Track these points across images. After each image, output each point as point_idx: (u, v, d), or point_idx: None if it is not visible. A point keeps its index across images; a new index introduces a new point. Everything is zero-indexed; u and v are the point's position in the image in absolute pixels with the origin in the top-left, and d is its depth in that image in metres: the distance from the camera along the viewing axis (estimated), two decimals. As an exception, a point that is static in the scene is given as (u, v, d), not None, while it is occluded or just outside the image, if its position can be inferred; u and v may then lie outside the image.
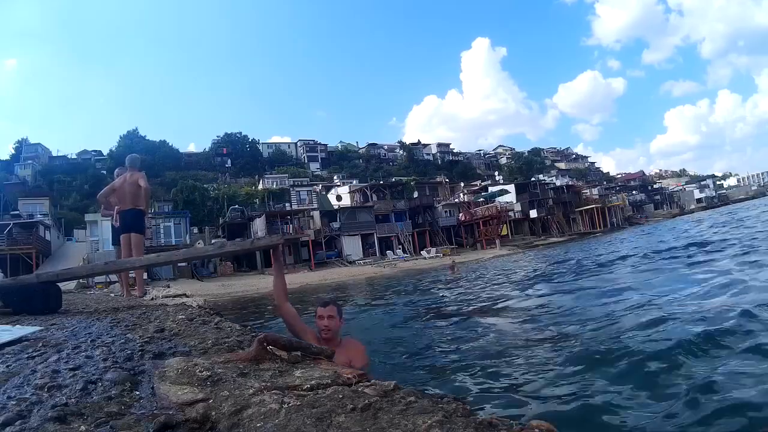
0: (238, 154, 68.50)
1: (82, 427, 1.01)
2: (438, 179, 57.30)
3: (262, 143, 75.04)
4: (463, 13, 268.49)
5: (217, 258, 29.75)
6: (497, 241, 38.33)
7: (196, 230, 33.84)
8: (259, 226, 33.58)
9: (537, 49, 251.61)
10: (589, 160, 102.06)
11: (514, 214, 46.25)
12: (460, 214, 43.69)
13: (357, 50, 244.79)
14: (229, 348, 1.87)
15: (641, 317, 3.79)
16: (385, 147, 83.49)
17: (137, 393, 1.28)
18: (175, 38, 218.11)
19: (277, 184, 47.49)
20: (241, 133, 71.85)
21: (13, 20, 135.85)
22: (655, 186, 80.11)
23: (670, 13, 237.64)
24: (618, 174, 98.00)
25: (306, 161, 74.27)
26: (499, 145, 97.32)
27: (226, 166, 66.48)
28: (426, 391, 1.26)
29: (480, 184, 56.87)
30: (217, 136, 71.86)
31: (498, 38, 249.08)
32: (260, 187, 48.44)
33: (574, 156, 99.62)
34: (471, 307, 6.49)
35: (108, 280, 17.12)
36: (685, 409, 1.92)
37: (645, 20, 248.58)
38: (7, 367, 1.63)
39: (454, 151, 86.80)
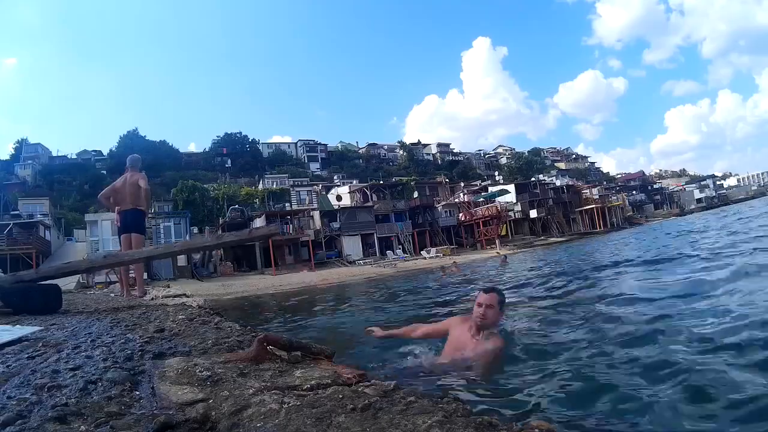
0: (238, 154, 68.65)
1: (82, 427, 1.01)
2: (438, 179, 57.38)
3: (262, 143, 75.20)
4: (464, 12, 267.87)
5: (217, 258, 29.85)
6: (497, 241, 38.35)
7: (196, 230, 33.89)
8: (259, 225, 33.62)
9: (538, 48, 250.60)
10: (589, 160, 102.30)
11: (514, 214, 46.27)
12: (460, 214, 43.68)
13: (357, 50, 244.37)
14: (229, 348, 1.87)
15: (641, 318, 3.79)
16: (385, 147, 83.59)
17: (137, 393, 1.28)
18: (175, 38, 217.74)
19: (277, 184, 47.63)
20: (241, 133, 72.17)
21: (14, 19, 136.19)
22: (655, 186, 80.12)
23: (671, 13, 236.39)
24: (618, 174, 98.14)
25: (306, 161, 74.37)
26: (499, 145, 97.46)
27: (226, 166, 66.59)
28: (426, 392, 1.26)
29: (480, 184, 56.87)
30: (217, 136, 72.17)
31: (499, 38, 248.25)
32: (260, 187, 48.56)
33: (574, 156, 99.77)
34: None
35: (108, 280, 17.16)
36: (690, 408, 1.91)
37: (646, 20, 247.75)
38: (7, 367, 1.63)
39: (454, 151, 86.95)
